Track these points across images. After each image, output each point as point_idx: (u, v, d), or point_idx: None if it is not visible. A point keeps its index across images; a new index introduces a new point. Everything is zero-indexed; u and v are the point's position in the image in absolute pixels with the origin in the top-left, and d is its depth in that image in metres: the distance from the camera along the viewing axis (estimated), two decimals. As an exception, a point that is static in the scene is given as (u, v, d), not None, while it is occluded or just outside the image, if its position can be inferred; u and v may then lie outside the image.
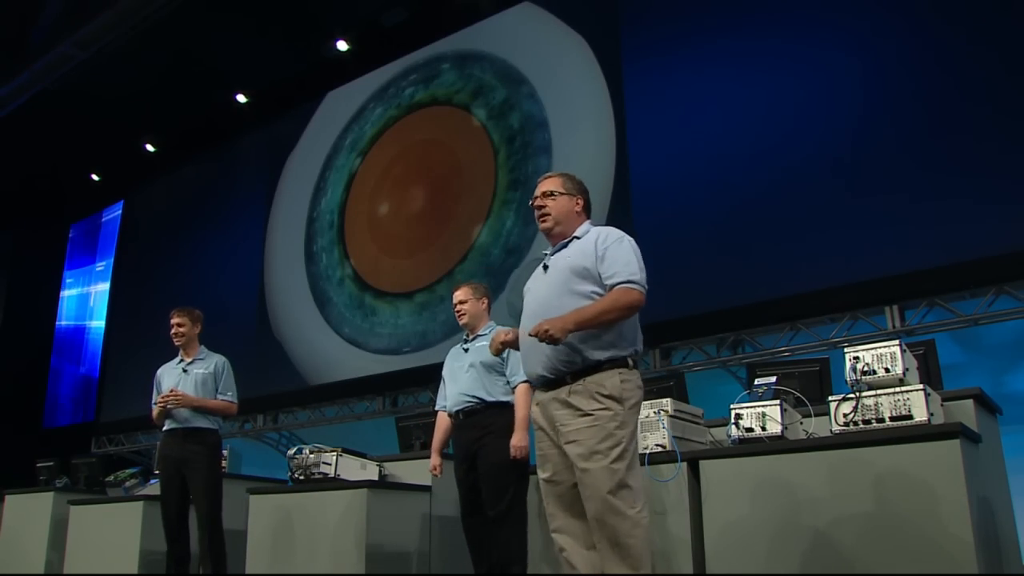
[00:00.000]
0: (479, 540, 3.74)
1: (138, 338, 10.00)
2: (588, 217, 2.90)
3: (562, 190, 2.83)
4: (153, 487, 5.78)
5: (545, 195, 2.83)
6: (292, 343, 8.22)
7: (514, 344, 2.84)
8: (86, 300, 11.35)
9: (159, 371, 4.76)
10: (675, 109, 6.01)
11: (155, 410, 4.58)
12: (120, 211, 11.16)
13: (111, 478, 6.11)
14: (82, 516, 5.67)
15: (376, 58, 8.37)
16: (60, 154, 10.28)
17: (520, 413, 3.69)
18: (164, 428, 4.57)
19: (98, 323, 10.96)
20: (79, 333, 11.30)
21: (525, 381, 3.77)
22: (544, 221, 2.82)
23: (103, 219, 11.50)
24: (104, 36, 7.97)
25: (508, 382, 3.81)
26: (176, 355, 4.76)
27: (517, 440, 3.63)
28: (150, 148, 10.29)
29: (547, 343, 2.52)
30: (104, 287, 11.04)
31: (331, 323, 7.97)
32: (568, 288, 2.67)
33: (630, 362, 2.66)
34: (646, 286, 2.65)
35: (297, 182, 8.81)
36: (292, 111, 9.10)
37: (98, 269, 11.29)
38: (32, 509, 6.37)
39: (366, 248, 7.97)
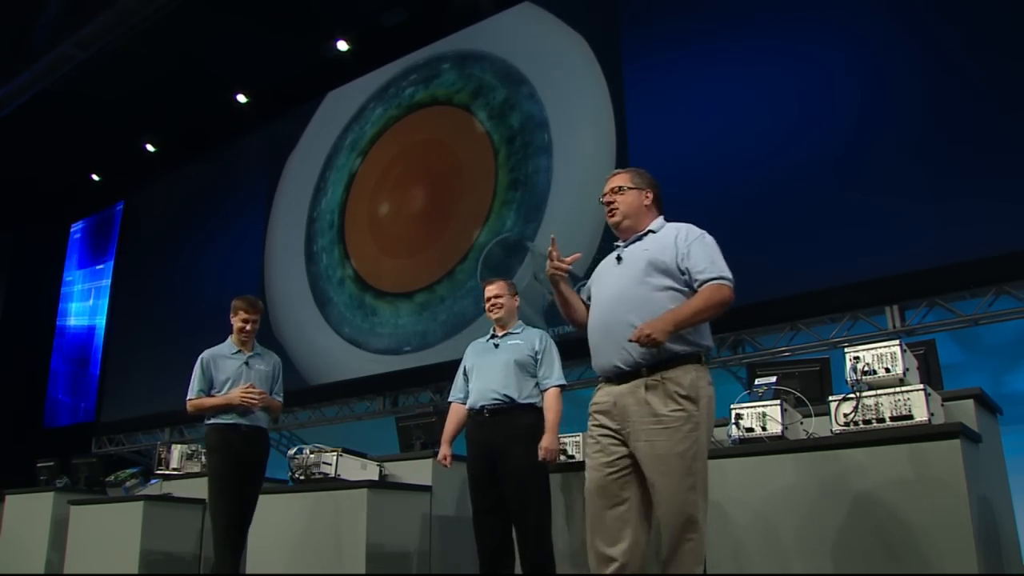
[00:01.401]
0: (493, 539, 3.71)
1: (138, 338, 10.01)
2: (660, 210, 2.90)
3: (630, 185, 2.85)
4: (153, 487, 5.79)
5: (613, 191, 2.85)
6: (292, 343, 8.22)
7: (560, 276, 2.81)
8: (86, 300, 11.35)
9: (208, 356, 4.40)
10: (675, 109, 6.01)
11: (215, 400, 4.27)
12: (120, 211, 11.17)
13: (111, 478, 6.11)
14: (82, 516, 5.66)
15: (376, 58, 8.37)
16: (60, 154, 10.28)
17: (551, 416, 3.69)
18: (218, 421, 4.26)
19: (98, 323, 10.97)
20: (79, 333, 11.30)
21: (557, 385, 3.78)
22: (613, 215, 2.84)
23: (103, 219, 11.50)
24: (104, 36, 7.97)
25: (538, 384, 3.80)
26: (219, 342, 4.48)
27: (548, 443, 3.63)
28: (150, 148, 10.29)
29: (649, 347, 2.52)
30: (104, 287, 11.04)
31: (331, 323, 7.97)
32: (645, 281, 2.67)
33: (703, 358, 2.67)
34: (734, 281, 2.67)
35: (297, 182, 8.81)
36: (292, 111, 9.10)
37: (98, 269, 11.29)
38: (32, 509, 6.37)
39: (366, 248, 7.97)
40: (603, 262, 2.89)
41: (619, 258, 2.80)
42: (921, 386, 2.80)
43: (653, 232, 2.80)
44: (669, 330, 2.52)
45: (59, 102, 9.04)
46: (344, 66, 8.56)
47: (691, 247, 2.69)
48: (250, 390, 4.24)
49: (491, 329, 4.02)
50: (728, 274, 2.66)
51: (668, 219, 2.88)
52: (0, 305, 11.24)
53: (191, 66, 8.74)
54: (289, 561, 4.42)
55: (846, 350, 3.00)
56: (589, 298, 2.88)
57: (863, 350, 2.94)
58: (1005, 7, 4.73)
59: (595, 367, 2.79)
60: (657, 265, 2.68)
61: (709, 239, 2.75)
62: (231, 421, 4.26)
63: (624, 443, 2.62)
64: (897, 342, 2.93)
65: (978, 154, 4.70)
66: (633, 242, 2.81)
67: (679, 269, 2.68)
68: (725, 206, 5.54)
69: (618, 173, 2.90)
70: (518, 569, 3.70)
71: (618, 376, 2.67)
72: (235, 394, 4.25)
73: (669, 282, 2.67)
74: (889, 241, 4.87)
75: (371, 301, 7.74)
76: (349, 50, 8.40)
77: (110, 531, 5.37)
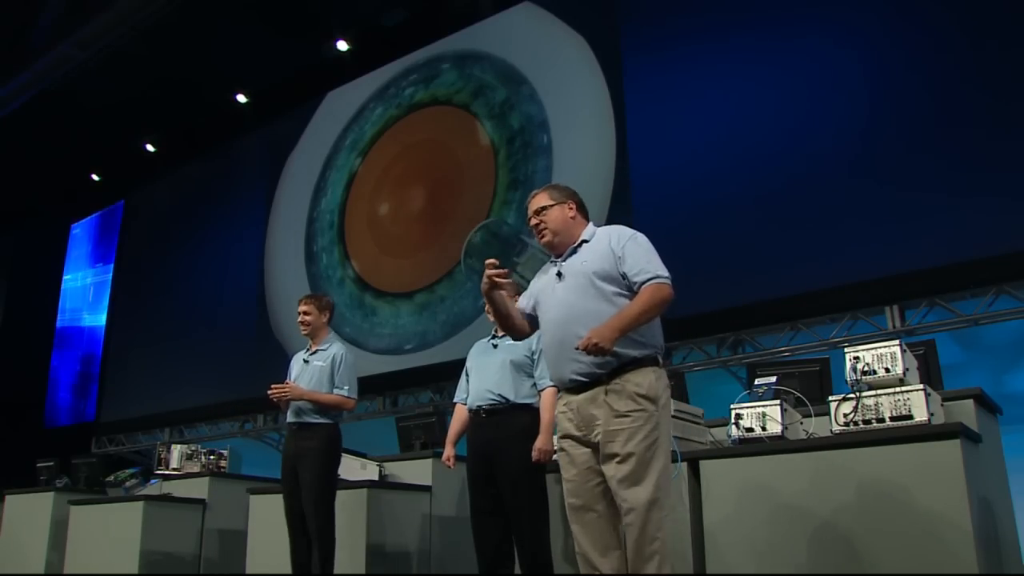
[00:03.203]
0: (492, 540, 3.70)
1: (138, 338, 10.01)
2: (587, 218, 2.92)
3: (551, 202, 2.87)
4: (153, 487, 5.79)
5: (537, 213, 2.87)
6: (293, 343, 8.21)
7: (503, 285, 2.81)
8: (86, 300, 11.35)
9: (292, 358, 4.48)
10: (675, 108, 6.01)
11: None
12: (120, 211, 11.17)
13: (111, 478, 6.10)
14: (82, 516, 5.67)
15: (376, 58, 8.38)
16: (60, 154, 10.28)
17: (546, 416, 3.68)
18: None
19: (98, 323, 10.97)
20: (79, 333, 11.30)
21: (553, 385, 3.77)
22: (543, 236, 2.86)
23: (104, 219, 11.50)
24: (104, 36, 7.98)
25: (535, 384, 3.80)
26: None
27: (541, 443, 3.61)
28: (150, 148, 10.30)
29: (597, 355, 2.54)
30: (105, 287, 11.04)
31: (331, 323, 7.96)
32: (592, 292, 2.69)
33: (659, 360, 2.70)
34: (671, 277, 2.68)
35: (297, 182, 8.81)
36: (292, 111, 9.10)
37: (99, 269, 11.29)
38: (32, 509, 6.36)
39: (366, 248, 7.98)
40: (542, 280, 2.88)
41: (559, 274, 2.80)
42: (921, 386, 2.80)
43: (586, 242, 2.82)
44: (615, 336, 2.54)
45: (59, 102, 9.05)
46: (344, 66, 8.57)
47: (625, 251, 2.71)
48: (273, 387, 4.15)
49: (492, 329, 4.02)
50: (664, 272, 2.68)
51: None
52: (0, 305, 11.24)
53: (191, 66, 8.75)
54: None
55: (846, 350, 3.00)
56: (534, 308, 2.88)
57: (863, 350, 2.94)
58: (1007, 4, 4.73)
59: (555, 381, 2.83)
60: (599, 274, 2.70)
61: (641, 238, 2.77)
62: (289, 420, 4.25)
63: (592, 450, 2.64)
64: (897, 342, 2.93)
65: (979, 154, 4.70)
66: (569, 256, 2.82)
67: (620, 274, 2.69)
68: (725, 205, 5.54)
69: (537, 194, 2.92)
70: (518, 569, 3.70)
71: (578, 387, 2.69)
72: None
73: (613, 288, 2.69)
74: (890, 241, 4.87)
75: (371, 301, 7.74)
76: (349, 50, 8.41)
77: (110, 531, 5.37)
